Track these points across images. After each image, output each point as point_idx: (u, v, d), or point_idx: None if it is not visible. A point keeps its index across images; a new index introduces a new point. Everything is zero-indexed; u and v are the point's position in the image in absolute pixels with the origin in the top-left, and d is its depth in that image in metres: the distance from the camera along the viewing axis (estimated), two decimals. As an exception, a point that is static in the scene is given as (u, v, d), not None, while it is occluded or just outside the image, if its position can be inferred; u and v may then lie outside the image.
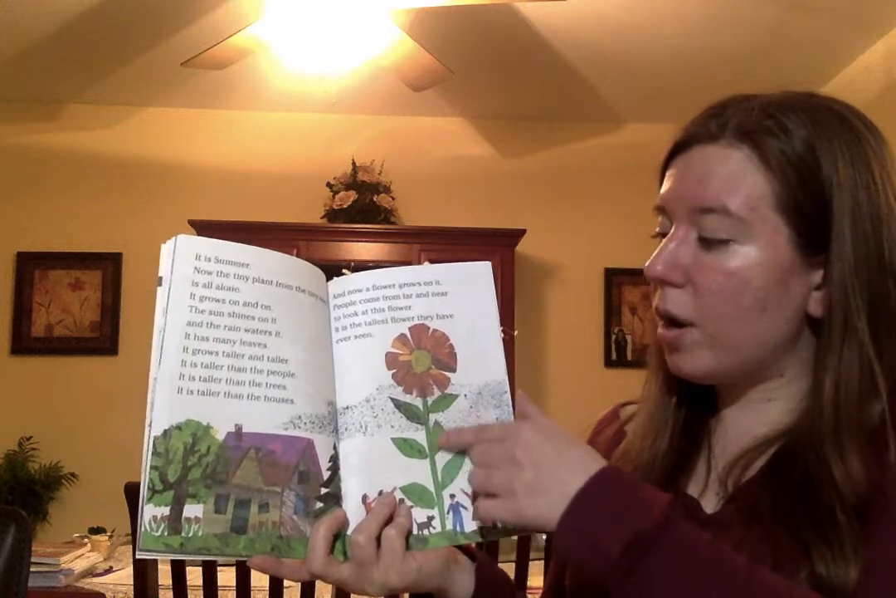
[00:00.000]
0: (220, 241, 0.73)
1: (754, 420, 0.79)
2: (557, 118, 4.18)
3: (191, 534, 0.66)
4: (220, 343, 0.70)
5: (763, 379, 0.78)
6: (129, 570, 1.78)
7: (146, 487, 0.65)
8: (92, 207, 4.01)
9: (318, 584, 1.75)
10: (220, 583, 1.69)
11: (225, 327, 0.71)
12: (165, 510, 0.65)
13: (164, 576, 1.68)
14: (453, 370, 0.76)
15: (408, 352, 0.77)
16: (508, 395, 0.75)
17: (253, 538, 0.68)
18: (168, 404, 0.67)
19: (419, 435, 0.74)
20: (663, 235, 0.78)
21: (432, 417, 0.75)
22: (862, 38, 3.26)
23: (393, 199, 3.97)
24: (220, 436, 0.69)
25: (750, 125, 0.74)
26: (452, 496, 0.73)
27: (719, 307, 0.73)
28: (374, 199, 3.88)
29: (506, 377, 0.76)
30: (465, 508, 0.73)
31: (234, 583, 1.68)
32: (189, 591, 1.71)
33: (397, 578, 0.70)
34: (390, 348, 0.77)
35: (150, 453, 0.66)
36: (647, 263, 0.76)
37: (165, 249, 0.72)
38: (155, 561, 1.66)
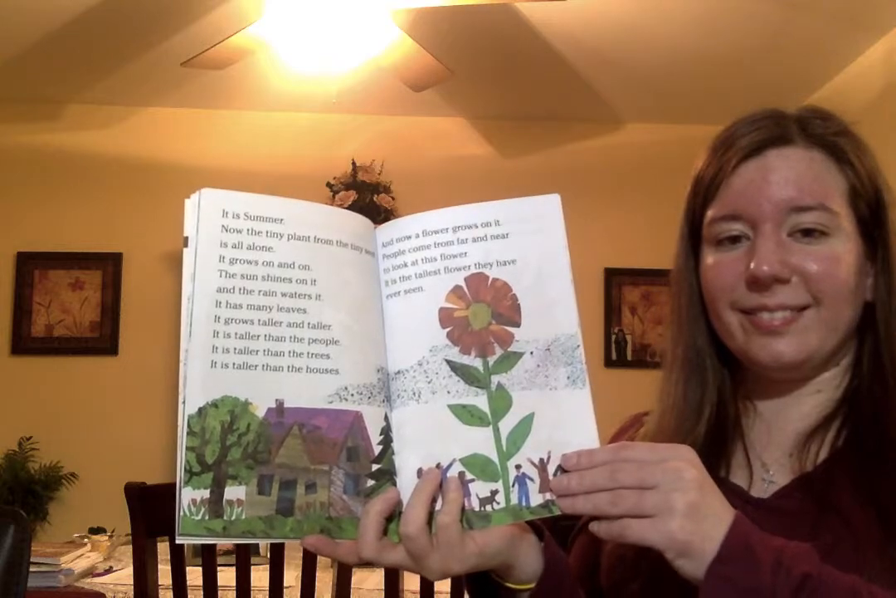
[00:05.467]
0: (250, 194, 0.66)
1: (802, 410, 0.82)
2: (557, 118, 4.18)
3: (234, 517, 0.61)
4: (254, 311, 0.64)
5: (825, 368, 0.81)
6: (129, 570, 1.77)
7: (182, 469, 0.60)
8: (92, 207, 4.00)
9: (318, 584, 1.75)
10: (220, 583, 1.69)
11: (259, 292, 0.64)
12: (205, 493, 0.60)
13: (164, 576, 1.68)
14: (517, 325, 0.67)
15: (464, 306, 0.68)
16: (581, 350, 0.67)
17: (301, 520, 0.63)
18: (202, 379, 0.61)
19: (480, 400, 0.66)
20: (733, 238, 0.79)
21: (494, 379, 0.67)
22: (862, 38, 3.25)
23: (393, 199, 3.97)
24: (259, 412, 0.63)
25: (815, 129, 0.79)
26: (518, 467, 0.65)
27: (834, 288, 0.77)
28: (374, 199, 3.88)
29: (578, 330, 0.67)
30: (532, 480, 0.65)
31: (234, 583, 1.68)
32: (189, 591, 1.71)
33: (457, 565, 0.65)
34: (444, 303, 0.68)
35: (184, 433, 0.60)
36: (752, 266, 0.76)
37: (190, 204, 0.65)
38: (155, 561, 1.66)
